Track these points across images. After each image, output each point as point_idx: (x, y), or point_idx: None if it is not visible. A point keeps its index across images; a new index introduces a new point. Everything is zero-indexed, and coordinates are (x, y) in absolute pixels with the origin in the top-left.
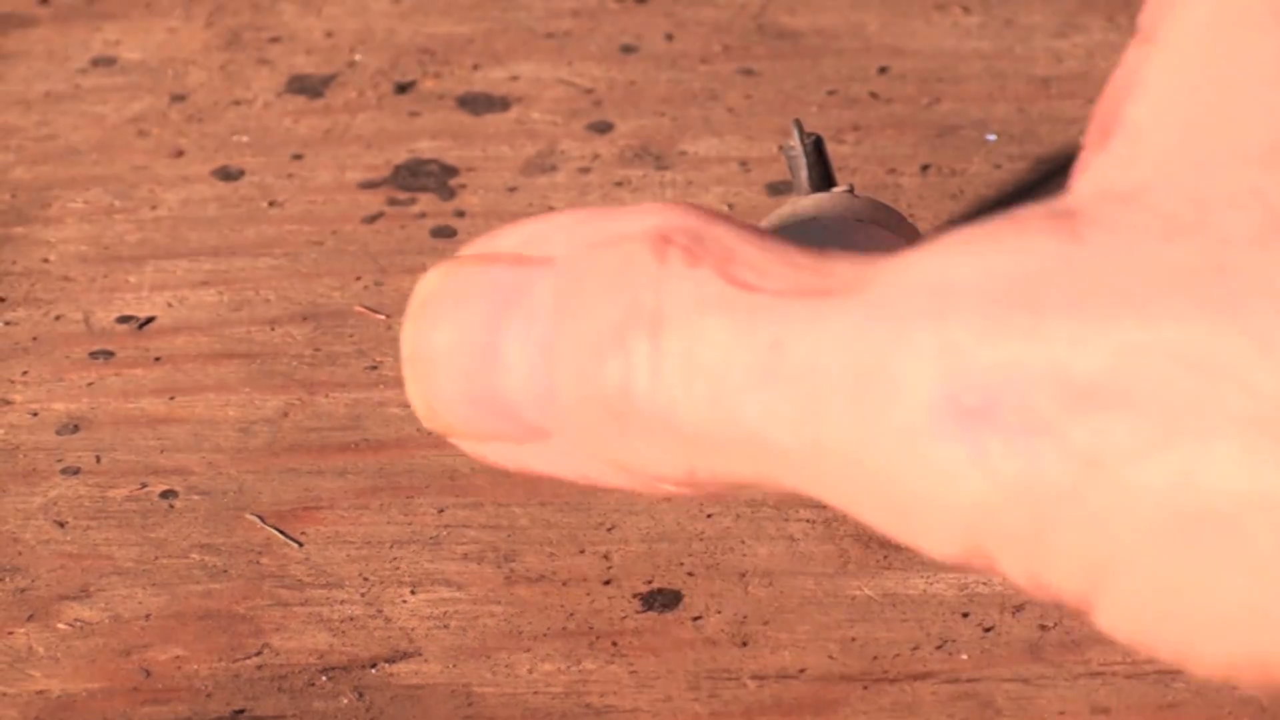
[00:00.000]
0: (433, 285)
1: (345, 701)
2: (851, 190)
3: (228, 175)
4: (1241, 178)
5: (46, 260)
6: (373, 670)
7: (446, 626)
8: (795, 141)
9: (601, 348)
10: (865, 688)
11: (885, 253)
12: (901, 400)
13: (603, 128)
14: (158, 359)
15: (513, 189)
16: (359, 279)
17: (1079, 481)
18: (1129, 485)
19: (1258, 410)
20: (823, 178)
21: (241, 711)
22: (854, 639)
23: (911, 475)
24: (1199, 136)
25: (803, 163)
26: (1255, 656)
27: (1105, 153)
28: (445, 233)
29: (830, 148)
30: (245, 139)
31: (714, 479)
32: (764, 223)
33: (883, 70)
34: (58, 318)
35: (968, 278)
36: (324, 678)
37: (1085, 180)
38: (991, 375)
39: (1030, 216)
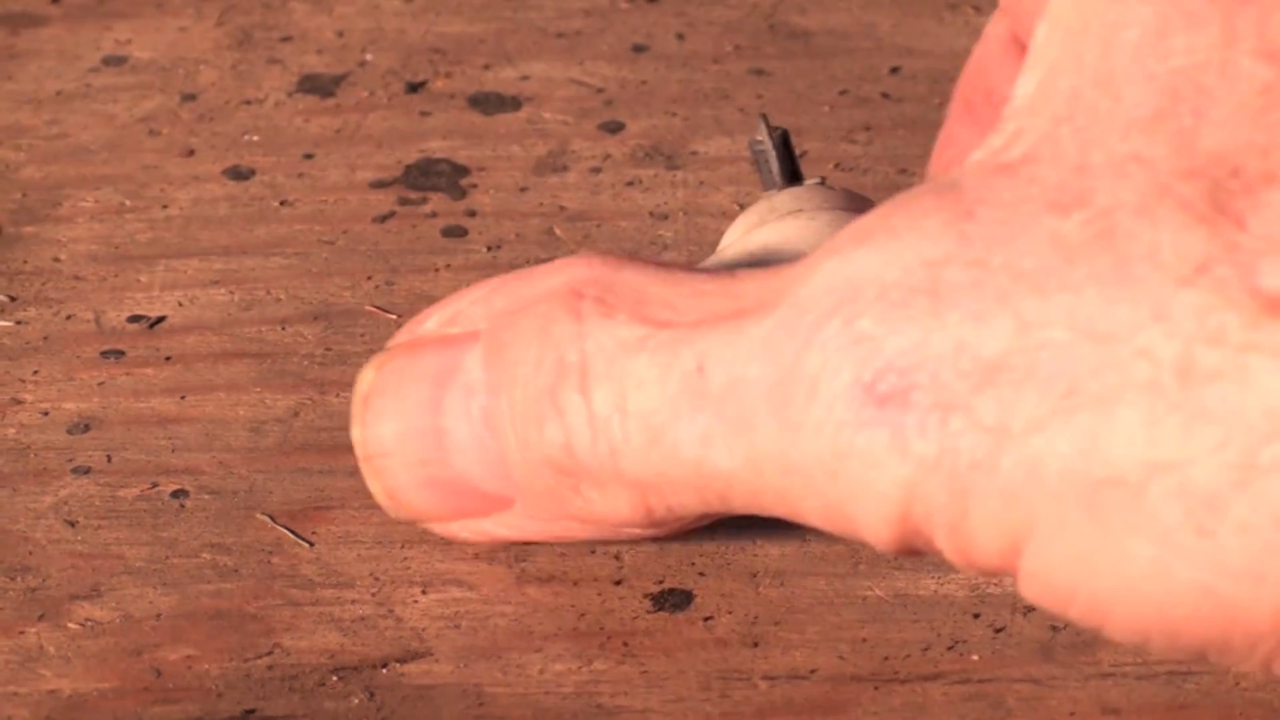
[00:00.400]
0: (369, 381)
1: (356, 701)
2: (823, 182)
3: (239, 174)
4: (1123, 145)
5: (57, 259)
6: (384, 670)
7: (458, 626)
8: (763, 136)
9: (538, 412)
10: (876, 688)
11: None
12: (819, 397)
13: (614, 127)
14: (168, 358)
15: (524, 189)
16: (370, 278)
17: (991, 453)
18: (1037, 454)
19: (1156, 376)
20: (792, 173)
21: (252, 711)
22: (865, 639)
23: (840, 469)
24: (1082, 106)
25: (772, 157)
26: (1163, 620)
27: (994, 128)
28: (456, 232)
29: (842, 148)
30: (256, 138)
31: (672, 515)
32: (742, 219)
33: (894, 70)
34: (69, 317)
35: (869, 271)
36: (335, 677)
37: (975, 155)
38: (901, 360)
39: (920, 197)
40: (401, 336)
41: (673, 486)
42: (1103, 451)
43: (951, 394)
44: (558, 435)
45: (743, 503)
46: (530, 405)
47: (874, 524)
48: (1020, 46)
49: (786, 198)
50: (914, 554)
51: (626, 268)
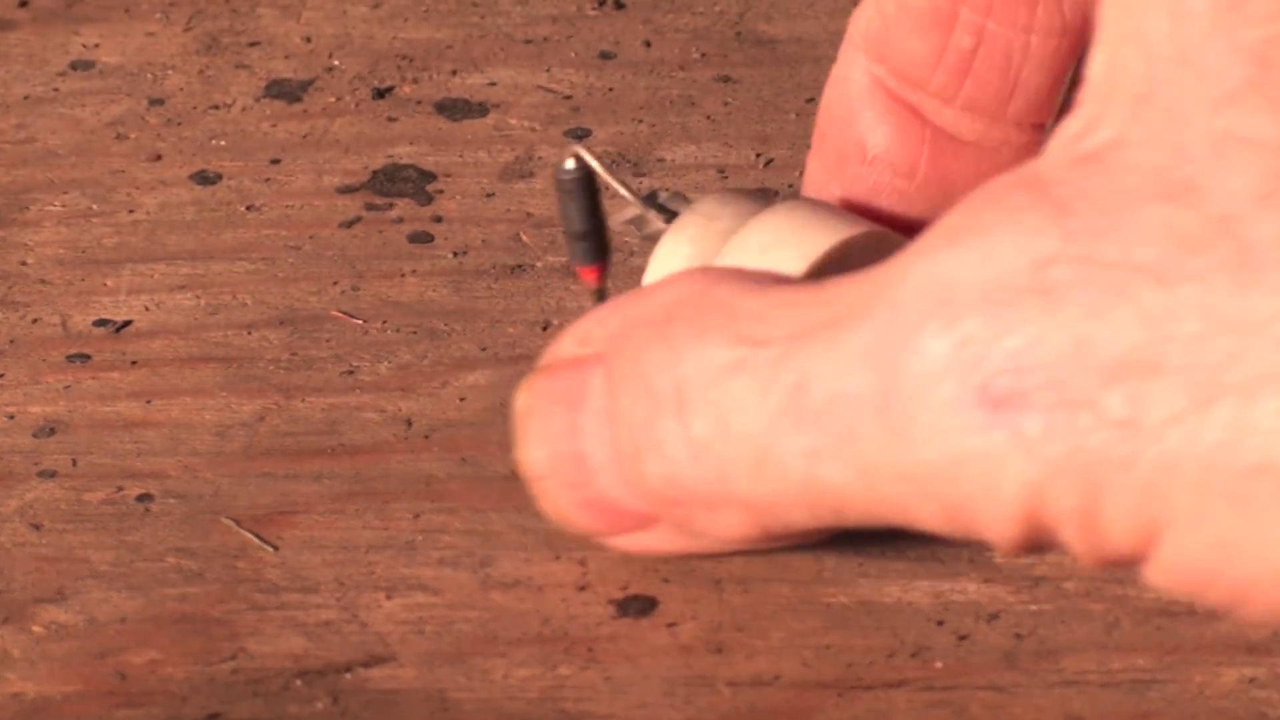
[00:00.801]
0: (520, 406)
1: (320, 706)
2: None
3: (205, 179)
4: (1217, 122)
5: (24, 263)
6: (348, 675)
7: (422, 631)
8: (574, 166)
9: (637, 446)
10: (840, 695)
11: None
12: (928, 403)
13: (581, 134)
14: (134, 362)
15: (490, 195)
16: (336, 284)
17: (1125, 449)
18: (1176, 447)
19: None
20: (596, 206)
21: (216, 715)
22: (829, 646)
23: (959, 474)
24: (1162, 83)
25: (580, 189)
26: None
27: (1070, 113)
28: (423, 238)
29: (808, 156)
30: (223, 143)
31: (788, 530)
32: (672, 238)
33: None
34: (34, 321)
35: (964, 272)
36: (299, 682)
37: (1053, 142)
38: (1015, 361)
39: (1007, 192)
40: (547, 356)
41: (784, 505)
42: (1248, 441)
43: (1076, 392)
44: (658, 468)
45: (857, 515)
46: (630, 439)
47: (998, 524)
48: (886, 93)
49: (717, 205)
50: (1036, 549)
51: (721, 283)
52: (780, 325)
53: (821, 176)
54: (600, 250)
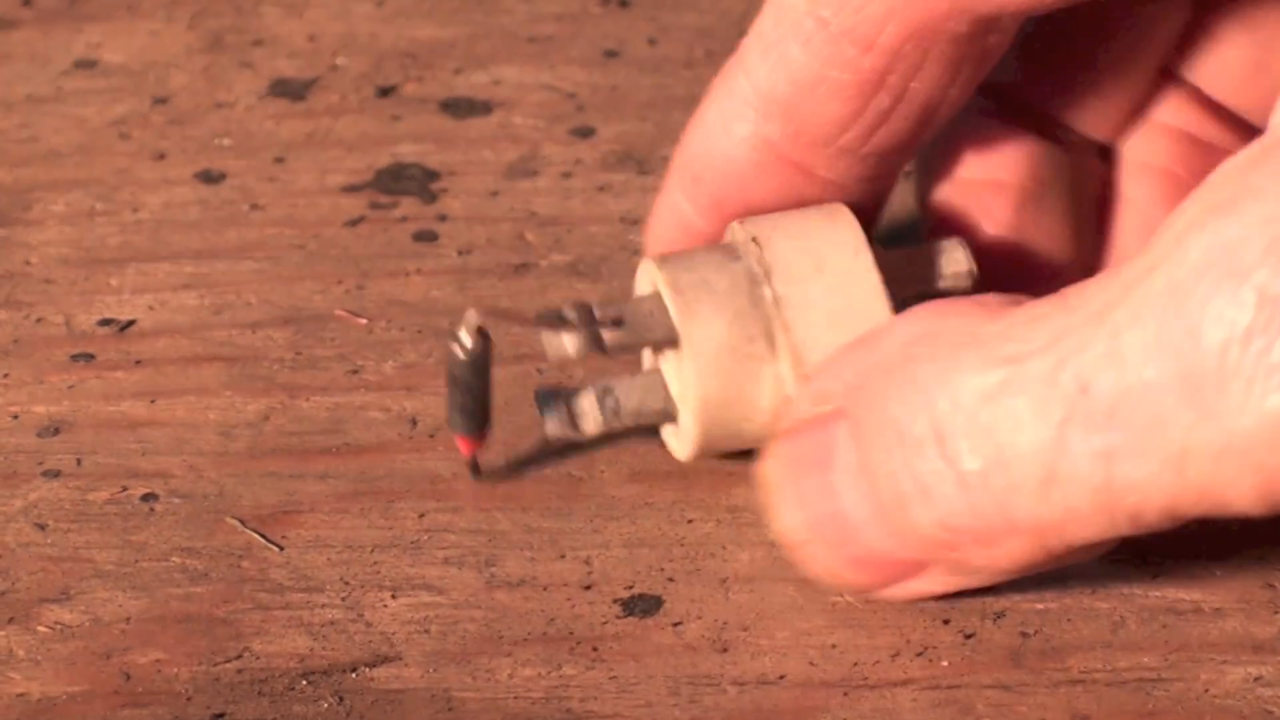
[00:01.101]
0: (768, 475)
1: (325, 705)
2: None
3: (209, 178)
4: None
5: (28, 263)
6: (353, 674)
7: (427, 631)
8: (471, 344)
9: (901, 495)
10: (845, 694)
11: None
12: (1240, 370)
13: (585, 132)
14: (139, 362)
15: (495, 193)
16: (341, 283)
17: None
18: None
19: None
20: (488, 380)
21: (221, 715)
22: (834, 645)
23: None
24: None
25: (476, 367)
26: None
27: None
28: (427, 237)
29: None
30: (227, 142)
31: (1070, 551)
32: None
33: None
34: (39, 320)
35: (1246, 234)
36: (304, 682)
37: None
38: None
39: (1265, 159)
40: (786, 420)
41: (1076, 520)
42: None
43: None
44: (927, 513)
45: (1156, 513)
46: (891, 489)
47: None
48: (777, 154)
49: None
50: None
51: (950, 314)
52: (1034, 339)
53: (688, 212)
54: (482, 422)
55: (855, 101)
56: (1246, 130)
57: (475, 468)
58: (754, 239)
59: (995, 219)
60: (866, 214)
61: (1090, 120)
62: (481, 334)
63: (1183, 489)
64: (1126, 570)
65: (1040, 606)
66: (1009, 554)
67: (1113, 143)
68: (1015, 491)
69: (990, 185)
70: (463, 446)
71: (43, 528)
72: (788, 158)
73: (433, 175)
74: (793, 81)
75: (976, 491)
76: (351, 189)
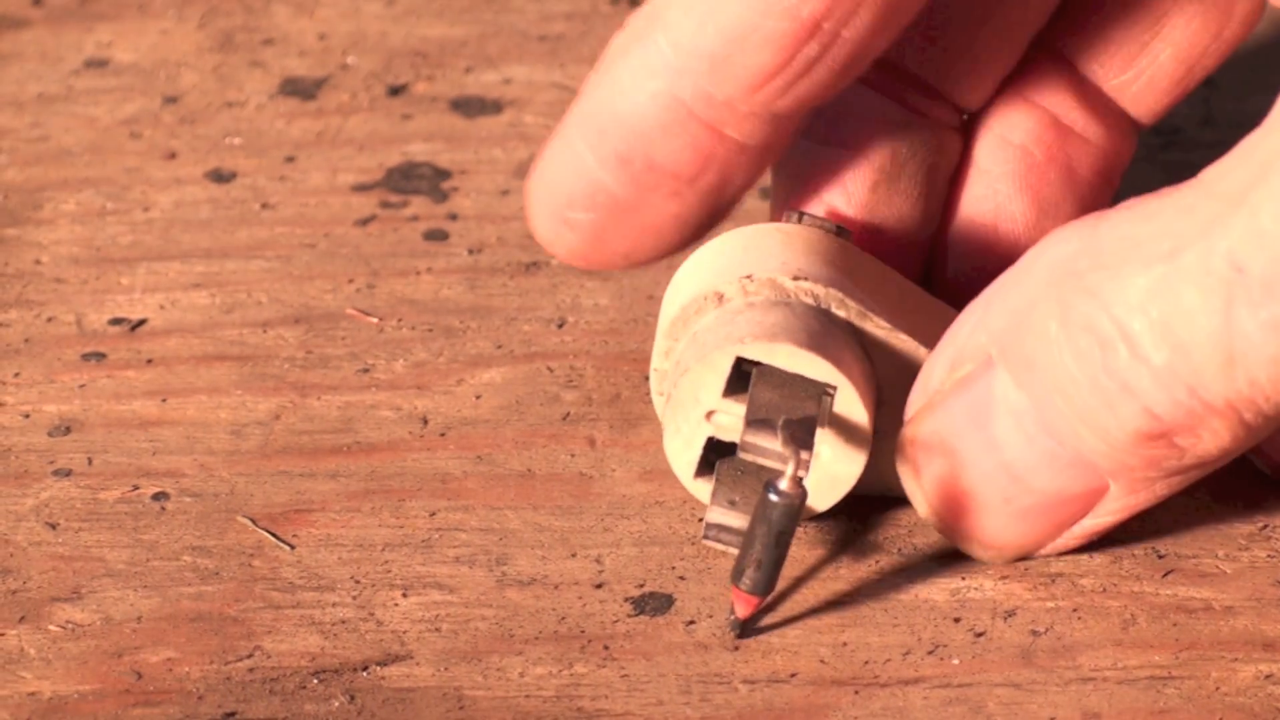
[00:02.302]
0: (912, 453)
1: (336, 704)
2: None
3: (220, 177)
4: None
5: (39, 262)
6: (364, 673)
7: (438, 629)
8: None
9: (1103, 399)
10: (856, 692)
11: None
12: None
13: None
14: (150, 361)
15: (505, 192)
16: (351, 282)
17: None
18: None
19: None
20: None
21: (233, 714)
22: (845, 643)
23: None
24: None
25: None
26: None
27: None
28: (438, 236)
29: None
30: (238, 141)
31: (1270, 416)
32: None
33: None
34: (50, 319)
35: None
36: (315, 680)
37: None
38: None
39: None
40: (914, 401)
41: (1263, 390)
42: None
43: None
44: (1132, 408)
45: None
46: (1091, 397)
47: None
48: (699, 123)
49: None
50: None
51: (1100, 224)
52: (1185, 231)
53: (590, 162)
54: (772, 582)
55: (786, 51)
56: (1112, 119)
57: (743, 629)
58: None
59: (848, 195)
60: (752, 176)
61: (960, 88)
62: (798, 483)
63: None
64: (1137, 568)
65: (1051, 605)
66: (1213, 438)
67: (979, 113)
68: (1202, 376)
69: (847, 159)
70: (744, 606)
71: (54, 527)
72: (698, 117)
73: (443, 174)
74: (722, 31)
75: (1169, 382)
76: (362, 188)
